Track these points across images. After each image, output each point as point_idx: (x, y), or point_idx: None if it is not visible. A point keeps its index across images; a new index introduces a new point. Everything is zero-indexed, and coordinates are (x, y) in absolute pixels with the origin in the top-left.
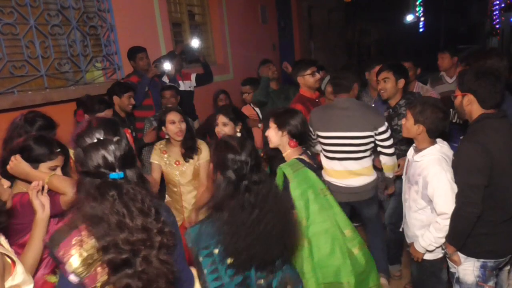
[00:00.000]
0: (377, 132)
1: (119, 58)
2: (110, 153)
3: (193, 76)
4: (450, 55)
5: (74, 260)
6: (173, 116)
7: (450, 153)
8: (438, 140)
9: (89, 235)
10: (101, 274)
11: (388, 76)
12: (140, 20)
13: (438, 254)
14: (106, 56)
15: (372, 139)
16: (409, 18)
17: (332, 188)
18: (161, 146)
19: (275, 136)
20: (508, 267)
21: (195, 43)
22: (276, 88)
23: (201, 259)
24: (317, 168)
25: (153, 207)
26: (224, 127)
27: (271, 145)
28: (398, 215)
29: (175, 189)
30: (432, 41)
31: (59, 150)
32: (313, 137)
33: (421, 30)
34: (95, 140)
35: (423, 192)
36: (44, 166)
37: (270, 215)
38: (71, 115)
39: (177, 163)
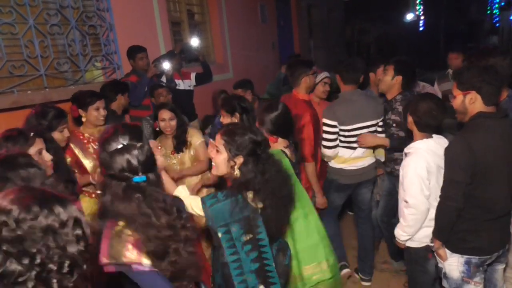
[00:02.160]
0: (379, 120)
1: (119, 58)
2: (134, 158)
3: (192, 75)
4: (462, 55)
5: (144, 260)
6: (164, 114)
7: (439, 150)
8: (436, 136)
9: (135, 235)
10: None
11: (388, 69)
12: (139, 19)
13: (421, 243)
14: (105, 55)
15: (375, 128)
16: (409, 16)
17: (345, 173)
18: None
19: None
20: (501, 266)
21: (194, 42)
22: None
23: (220, 235)
24: (295, 164)
25: (174, 205)
26: (223, 119)
27: None
28: (389, 211)
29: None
30: (432, 39)
31: (32, 134)
32: (333, 131)
33: (421, 28)
34: (121, 145)
35: (402, 181)
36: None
37: (283, 184)
38: (70, 114)
39: (172, 152)
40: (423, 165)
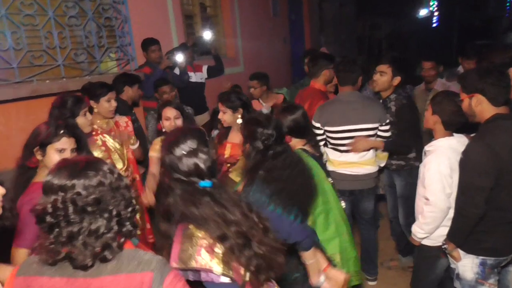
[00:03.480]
0: (383, 123)
1: (133, 49)
2: (202, 162)
3: (204, 68)
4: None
5: (215, 265)
6: (168, 113)
7: (462, 148)
8: (457, 134)
9: (212, 238)
10: (239, 267)
11: (385, 71)
12: (154, 12)
13: (436, 242)
14: (120, 47)
15: (376, 131)
16: (423, 12)
17: (336, 177)
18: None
19: None
20: None
21: (207, 35)
22: None
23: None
24: (319, 157)
25: (240, 199)
26: (223, 114)
27: None
28: (393, 208)
29: None
30: (446, 36)
31: (63, 132)
32: (319, 132)
33: (434, 24)
34: (190, 149)
35: (423, 178)
36: (51, 148)
37: (301, 174)
38: None
39: None
40: (446, 162)
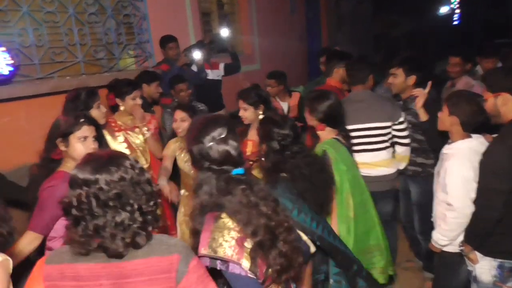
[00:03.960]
0: (395, 122)
1: (151, 46)
2: (233, 149)
3: (221, 66)
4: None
5: (244, 260)
6: (177, 115)
7: (483, 149)
8: (475, 135)
9: (243, 231)
10: (263, 265)
11: (397, 73)
12: (171, 9)
13: (457, 249)
14: (138, 44)
15: (389, 130)
16: (444, 9)
17: None
18: (178, 143)
19: (309, 119)
20: None
21: (224, 32)
22: None
23: None
24: (351, 149)
25: (270, 192)
26: (244, 112)
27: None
28: (411, 212)
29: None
30: (468, 34)
31: (83, 120)
32: None
33: (455, 22)
34: (220, 136)
35: (443, 184)
36: (73, 138)
37: (318, 175)
38: (104, 100)
39: None
40: (469, 166)
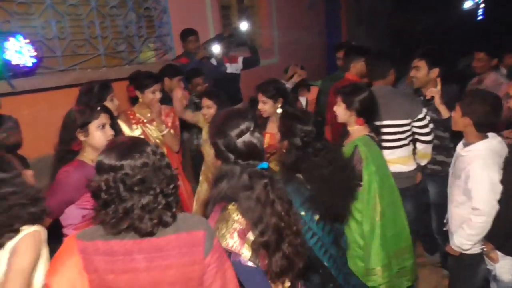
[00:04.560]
0: (414, 119)
1: (171, 40)
2: (259, 142)
3: (240, 59)
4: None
5: (245, 250)
6: (203, 102)
7: (502, 149)
8: (491, 134)
9: (247, 223)
10: (266, 255)
11: (420, 65)
12: (192, 3)
13: (478, 249)
14: (159, 37)
15: (407, 128)
16: (467, 4)
17: None
18: (205, 127)
19: (343, 114)
20: None
21: (243, 26)
22: None
23: None
24: (381, 146)
25: (287, 192)
26: (263, 105)
27: (338, 120)
28: (420, 209)
29: None
30: (491, 29)
31: (100, 108)
32: None
33: (479, 17)
34: (246, 129)
35: (464, 187)
36: (92, 126)
37: (339, 173)
38: (125, 92)
39: None
40: (494, 168)
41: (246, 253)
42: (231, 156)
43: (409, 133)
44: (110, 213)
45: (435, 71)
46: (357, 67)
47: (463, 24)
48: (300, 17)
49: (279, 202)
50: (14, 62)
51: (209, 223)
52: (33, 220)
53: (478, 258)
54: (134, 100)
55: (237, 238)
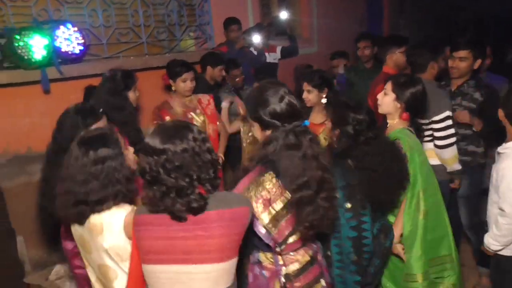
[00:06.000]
0: (429, 120)
1: (211, 28)
2: (298, 103)
3: (278, 49)
4: None
5: (265, 216)
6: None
7: None
8: None
9: (279, 189)
10: (287, 228)
11: (466, 56)
12: None
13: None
14: (199, 26)
15: (427, 126)
16: None
17: None
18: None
19: (389, 104)
20: None
21: (283, 15)
22: (370, 67)
23: None
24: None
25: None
26: (308, 94)
27: (380, 111)
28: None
29: None
30: None
31: (101, 110)
32: None
33: None
34: (283, 93)
35: (495, 185)
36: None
37: (389, 163)
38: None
39: None
40: None
41: (265, 219)
42: (277, 122)
43: (430, 131)
44: (151, 194)
45: (479, 62)
46: (393, 58)
47: None
48: (340, 5)
49: (322, 157)
50: (63, 49)
51: (244, 180)
52: (128, 199)
53: None
54: (170, 88)
55: (261, 205)
